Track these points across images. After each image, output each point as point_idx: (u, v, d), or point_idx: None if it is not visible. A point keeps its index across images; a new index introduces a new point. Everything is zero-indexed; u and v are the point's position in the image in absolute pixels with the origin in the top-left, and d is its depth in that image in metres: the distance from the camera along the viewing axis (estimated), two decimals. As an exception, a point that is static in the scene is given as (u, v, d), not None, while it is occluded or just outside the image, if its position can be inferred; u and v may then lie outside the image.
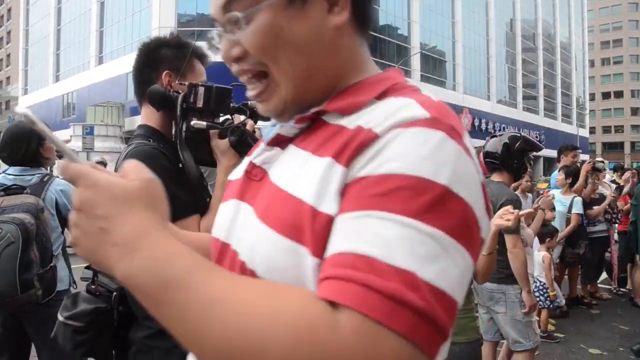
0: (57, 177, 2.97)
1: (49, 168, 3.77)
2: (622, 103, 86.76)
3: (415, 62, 36.70)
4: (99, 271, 1.53)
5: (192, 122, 1.39)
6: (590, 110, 71.97)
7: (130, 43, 31.67)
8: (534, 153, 3.54)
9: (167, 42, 1.62)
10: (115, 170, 1.45)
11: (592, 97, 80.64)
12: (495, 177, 3.36)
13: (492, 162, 3.39)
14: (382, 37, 35.64)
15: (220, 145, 1.44)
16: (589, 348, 4.86)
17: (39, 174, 2.90)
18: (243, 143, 1.40)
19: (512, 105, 48.71)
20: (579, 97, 64.96)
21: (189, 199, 1.40)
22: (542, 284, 5.05)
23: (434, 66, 40.07)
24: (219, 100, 1.42)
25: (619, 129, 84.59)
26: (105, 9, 35.53)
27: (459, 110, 39.33)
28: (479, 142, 3.49)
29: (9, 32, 64.01)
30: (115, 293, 1.53)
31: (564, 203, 5.98)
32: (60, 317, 1.53)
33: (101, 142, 26.90)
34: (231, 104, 1.45)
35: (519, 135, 3.43)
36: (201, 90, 1.40)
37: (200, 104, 1.40)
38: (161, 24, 27.70)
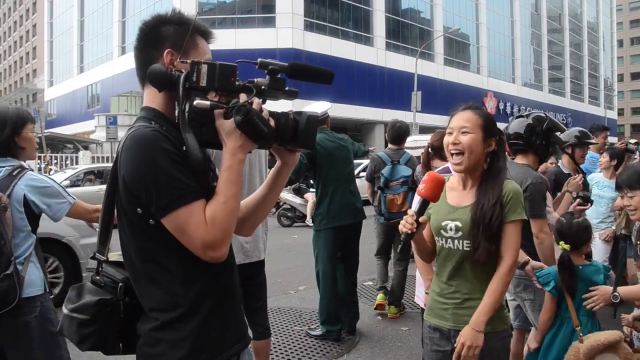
0: (30, 170, 2.62)
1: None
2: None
3: (439, 45, 36.19)
4: (104, 261, 1.51)
5: (195, 102, 1.31)
6: (618, 92, 70.30)
7: (152, 33, 31.89)
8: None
9: (167, 19, 1.54)
10: (117, 155, 1.41)
11: (621, 78, 78.74)
12: (519, 160, 3.24)
13: (516, 144, 3.26)
14: (405, 21, 35.19)
15: (226, 125, 1.36)
16: None
17: (9, 166, 2.54)
18: (250, 123, 1.32)
19: (537, 87, 47.86)
20: (607, 78, 63.53)
21: (193, 183, 1.34)
22: None
23: (458, 49, 39.49)
24: (224, 78, 1.33)
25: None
26: (127, -1, 35.77)
27: (483, 93, 38.76)
28: (505, 126, 3.36)
29: (34, 26, 64.99)
30: (121, 284, 1.48)
31: (613, 187, 5.68)
32: (64, 310, 1.48)
33: (124, 132, 27.15)
34: (237, 82, 1.36)
35: (544, 115, 3.30)
36: (204, 68, 1.32)
37: (203, 82, 1.32)
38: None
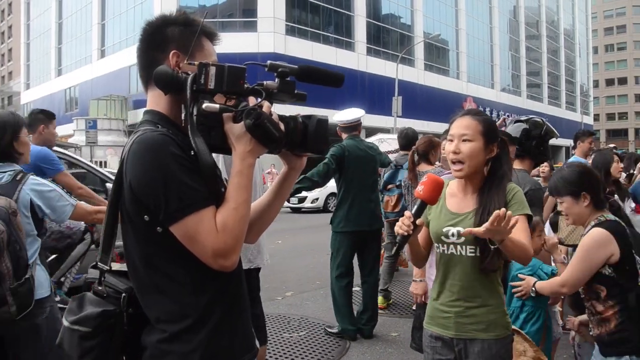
0: (32, 174, 2.63)
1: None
2: (626, 90, 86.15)
3: (419, 51, 36.45)
4: (107, 271, 1.45)
5: (204, 105, 1.28)
6: (594, 98, 71.53)
7: (133, 35, 31.54)
8: None
9: (173, 20, 1.49)
10: (122, 160, 1.36)
11: (596, 84, 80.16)
12: (516, 165, 3.21)
13: None
14: (386, 26, 35.40)
15: (235, 129, 1.32)
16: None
17: (10, 171, 2.54)
18: (261, 127, 1.29)
19: (516, 93, 48.46)
20: (583, 84, 64.59)
21: (202, 189, 1.29)
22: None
23: (438, 55, 39.82)
24: (232, 80, 1.29)
25: (623, 115, 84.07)
26: (107, 1, 35.38)
27: (462, 98, 39.14)
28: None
29: (10, 27, 63.88)
30: (124, 294, 1.42)
31: None
32: (65, 322, 1.41)
33: (104, 136, 26.86)
34: (245, 85, 1.33)
35: (540, 121, 3.32)
36: (212, 70, 1.28)
37: (211, 85, 1.28)
38: (163, 15, 27.60)
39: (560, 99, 57.00)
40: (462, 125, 2.20)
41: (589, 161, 6.07)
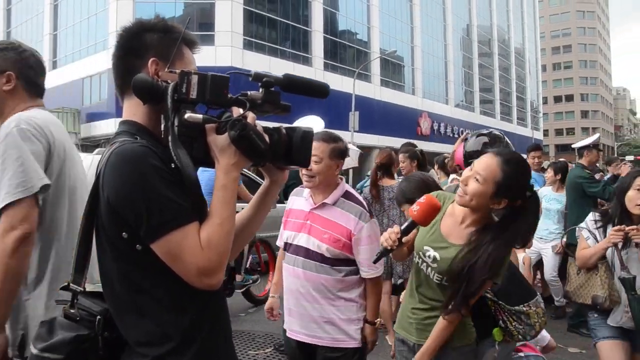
0: None
1: None
2: (572, 106, 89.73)
3: (375, 67, 36.98)
4: (79, 292, 1.34)
5: (186, 115, 1.22)
6: (543, 114, 74.07)
7: (86, 47, 30.89)
8: None
9: (151, 26, 1.43)
10: (98, 173, 1.29)
11: (545, 101, 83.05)
12: None
13: (471, 163, 3.29)
14: (343, 42, 35.79)
15: (219, 141, 1.26)
16: (567, 347, 4.93)
17: None
18: (246, 138, 1.23)
19: (469, 109, 49.65)
20: (533, 100, 66.79)
21: (186, 204, 1.22)
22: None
23: (394, 71, 40.46)
24: (216, 90, 1.23)
25: (570, 131, 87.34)
26: (59, 11, 34.51)
27: (418, 114, 39.86)
28: (439, 145, 3.44)
29: (-45, 36, 61.54)
30: (99, 317, 1.32)
31: (559, 200, 6.01)
32: (33, 350, 1.30)
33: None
34: (229, 95, 1.27)
35: (500, 135, 3.33)
36: (195, 78, 1.22)
37: (193, 94, 1.22)
38: (118, 27, 27.07)
39: (511, 115, 58.75)
40: (484, 163, 2.09)
41: (547, 173, 6.36)
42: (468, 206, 2.12)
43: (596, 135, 6.36)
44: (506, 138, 3.40)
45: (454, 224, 2.20)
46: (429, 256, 2.18)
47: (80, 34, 31.76)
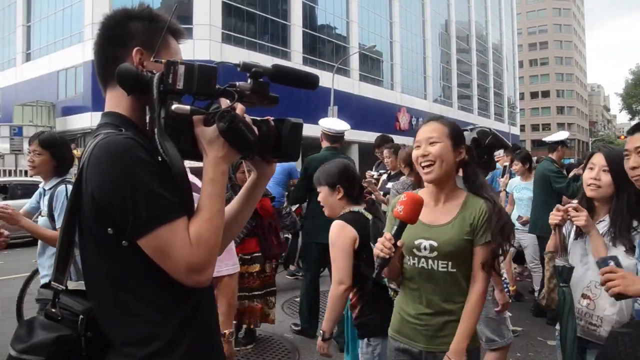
0: None
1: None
2: (548, 102, 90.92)
3: (354, 61, 37.02)
4: (61, 291, 1.28)
5: (173, 107, 1.17)
6: (520, 109, 74.96)
7: (61, 39, 30.35)
8: None
9: (136, 14, 1.37)
10: (81, 167, 1.24)
11: (522, 97, 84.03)
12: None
13: None
14: (322, 36, 35.75)
15: (207, 133, 1.22)
16: (547, 340, 4.99)
17: None
18: (235, 130, 1.19)
19: (447, 104, 50.03)
20: (510, 96, 67.52)
21: (174, 198, 1.18)
22: (503, 279, 5.19)
23: (372, 66, 40.56)
24: (203, 81, 1.19)
25: (546, 126, 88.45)
26: (33, 2, 33.82)
27: (397, 109, 40.05)
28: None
29: None
30: (82, 316, 1.25)
31: (529, 188, 6.14)
32: (12, 352, 1.23)
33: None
34: (216, 86, 1.23)
35: (488, 130, 3.36)
36: (181, 69, 1.18)
37: (180, 85, 1.17)
38: (95, 19, 26.61)
39: (489, 110, 59.36)
40: (428, 129, 2.19)
41: (515, 165, 6.51)
42: (439, 175, 2.15)
43: (567, 133, 6.51)
44: (494, 133, 3.40)
45: (431, 210, 2.19)
46: (424, 248, 2.14)
47: (55, 25, 31.19)
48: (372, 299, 2.70)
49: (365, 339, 2.71)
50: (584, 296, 2.31)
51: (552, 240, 2.42)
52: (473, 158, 2.26)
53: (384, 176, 5.91)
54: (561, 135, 6.30)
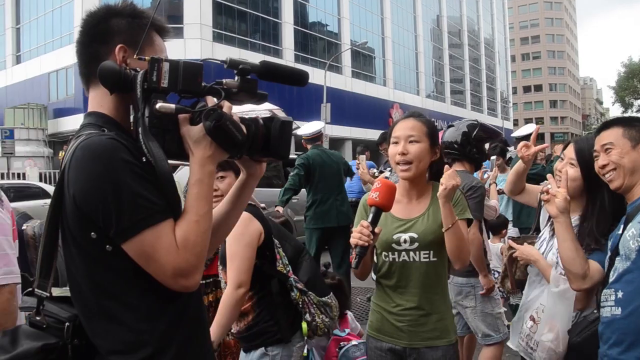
0: None
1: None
2: (541, 96, 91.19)
3: (346, 58, 36.98)
4: (45, 298, 1.24)
5: (158, 105, 1.14)
6: (513, 103, 75.14)
7: (51, 41, 30.14)
8: None
9: (118, 10, 1.33)
10: (62, 169, 1.20)
11: (515, 91, 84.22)
12: (457, 167, 3.29)
13: (450, 153, 3.31)
14: (313, 33, 35.69)
15: (193, 132, 1.18)
16: None
17: None
18: (222, 129, 1.16)
19: (440, 99, 50.07)
20: (503, 91, 67.64)
21: (159, 200, 1.15)
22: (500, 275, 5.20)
23: (364, 62, 40.53)
24: (189, 78, 1.15)
25: (539, 120, 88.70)
26: (22, 4, 33.58)
27: (389, 105, 40.06)
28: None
29: None
30: (68, 323, 1.22)
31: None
32: None
33: (23, 147, 25.47)
34: (203, 84, 1.20)
35: (476, 122, 3.36)
36: (166, 66, 1.14)
37: (165, 83, 1.14)
38: (83, 20, 26.54)
39: (482, 105, 59.44)
40: (407, 126, 2.19)
41: (496, 161, 6.56)
42: (415, 175, 2.17)
43: (534, 126, 6.57)
44: (481, 123, 3.41)
45: (405, 206, 2.23)
46: (404, 241, 2.15)
47: (45, 27, 30.99)
48: (272, 303, 2.40)
49: (261, 349, 2.38)
50: (531, 318, 2.27)
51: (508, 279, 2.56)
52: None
53: (387, 172, 5.94)
54: (528, 128, 6.44)
